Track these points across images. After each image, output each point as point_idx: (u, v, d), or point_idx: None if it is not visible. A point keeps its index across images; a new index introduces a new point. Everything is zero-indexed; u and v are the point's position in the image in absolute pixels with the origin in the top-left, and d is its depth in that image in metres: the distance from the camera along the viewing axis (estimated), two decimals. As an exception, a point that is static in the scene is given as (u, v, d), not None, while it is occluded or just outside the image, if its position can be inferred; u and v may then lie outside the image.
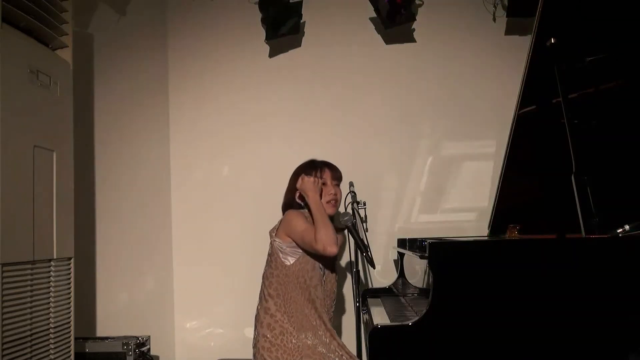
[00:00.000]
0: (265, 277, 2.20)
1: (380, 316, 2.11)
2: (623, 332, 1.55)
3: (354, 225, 2.11)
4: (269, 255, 2.21)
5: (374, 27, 2.93)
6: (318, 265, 2.16)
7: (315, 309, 2.12)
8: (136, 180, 2.83)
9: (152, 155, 2.95)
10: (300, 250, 2.12)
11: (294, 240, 2.11)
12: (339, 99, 2.93)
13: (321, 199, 2.16)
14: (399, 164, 2.89)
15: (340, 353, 2.08)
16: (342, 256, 2.78)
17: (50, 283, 1.92)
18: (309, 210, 2.15)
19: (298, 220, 2.10)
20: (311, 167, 2.25)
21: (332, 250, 1.99)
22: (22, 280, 1.76)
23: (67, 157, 2.07)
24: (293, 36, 2.83)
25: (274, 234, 2.18)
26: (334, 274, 2.25)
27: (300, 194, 2.23)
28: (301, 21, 2.80)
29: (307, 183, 2.16)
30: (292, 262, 2.12)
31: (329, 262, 2.20)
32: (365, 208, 2.28)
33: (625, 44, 1.91)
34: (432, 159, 2.89)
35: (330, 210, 2.20)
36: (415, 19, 2.76)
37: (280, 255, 2.13)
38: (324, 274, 2.18)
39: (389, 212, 2.88)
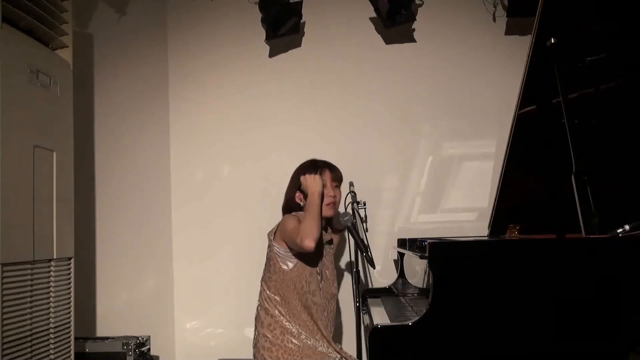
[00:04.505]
0: (264, 280, 2.19)
1: (380, 316, 2.11)
2: (623, 332, 1.55)
3: (354, 225, 2.11)
4: (268, 259, 2.20)
5: (374, 27, 2.93)
6: (315, 270, 2.15)
7: (311, 315, 2.11)
8: (136, 180, 2.83)
9: (152, 155, 2.95)
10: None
11: (286, 243, 2.11)
12: (338, 98, 2.93)
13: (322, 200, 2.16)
14: (399, 164, 2.89)
15: (340, 355, 2.08)
16: (342, 256, 2.78)
17: (50, 283, 1.92)
18: None
19: (290, 222, 2.09)
20: (312, 167, 2.25)
21: (308, 243, 1.94)
22: (22, 280, 1.76)
23: (67, 157, 2.07)
24: (293, 36, 2.83)
25: (272, 238, 2.17)
26: (333, 279, 2.24)
27: (300, 194, 2.23)
28: (301, 21, 2.80)
29: (310, 180, 2.15)
30: (290, 267, 2.11)
31: (321, 268, 2.18)
32: (365, 208, 2.28)
33: (625, 43, 1.91)
34: (432, 159, 2.89)
35: (328, 213, 2.19)
36: (415, 19, 2.76)
37: (279, 260, 2.13)
38: (321, 279, 2.18)
39: (389, 212, 2.88)
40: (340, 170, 2.31)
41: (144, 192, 2.86)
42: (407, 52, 2.91)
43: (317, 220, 2.02)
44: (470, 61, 2.86)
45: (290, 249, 2.10)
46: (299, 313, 2.10)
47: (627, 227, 1.61)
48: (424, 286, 2.00)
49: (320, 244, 2.07)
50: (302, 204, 2.22)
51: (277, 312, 2.11)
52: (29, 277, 1.79)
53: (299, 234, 1.97)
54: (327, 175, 2.23)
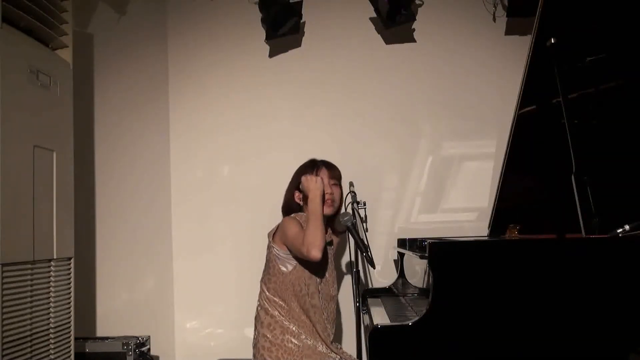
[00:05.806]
0: (263, 282, 2.19)
1: (380, 316, 2.11)
2: (623, 332, 1.55)
3: (354, 225, 2.10)
4: (267, 261, 2.20)
5: (374, 27, 2.93)
6: (315, 272, 2.15)
7: (309, 318, 2.11)
8: (136, 180, 2.83)
9: (152, 155, 2.95)
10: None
11: (286, 247, 2.10)
12: (338, 98, 2.93)
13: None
14: (399, 164, 2.89)
15: (340, 357, 2.08)
16: (342, 256, 2.78)
17: (50, 283, 1.92)
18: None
19: (291, 227, 2.08)
20: (310, 167, 2.25)
21: (315, 254, 1.93)
22: (22, 280, 1.76)
23: (67, 157, 2.07)
24: (293, 36, 2.83)
25: (271, 239, 2.17)
26: (332, 280, 2.24)
27: (299, 194, 2.23)
28: (301, 21, 2.80)
29: (310, 182, 2.14)
30: (290, 270, 2.11)
31: (321, 270, 2.17)
32: (365, 208, 2.28)
33: (625, 44, 1.91)
34: (432, 159, 2.89)
35: (327, 210, 2.18)
36: (415, 19, 2.76)
37: (278, 262, 2.12)
38: (320, 281, 2.17)
39: (389, 212, 2.88)
40: (340, 170, 2.31)
41: (144, 192, 2.86)
42: (407, 52, 2.91)
43: (322, 228, 2.01)
44: (470, 61, 2.86)
45: (291, 252, 2.10)
46: (298, 315, 2.10)
47: (627, 227, 1.61)
48: (424, 286, 2.00)
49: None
50: (301, 204, 2.22)
51: (276, 312, 2.11)
52: (29, 277, 1.80)
53: (304, 244, 1.96)
54: (324, 173, 2.23)
